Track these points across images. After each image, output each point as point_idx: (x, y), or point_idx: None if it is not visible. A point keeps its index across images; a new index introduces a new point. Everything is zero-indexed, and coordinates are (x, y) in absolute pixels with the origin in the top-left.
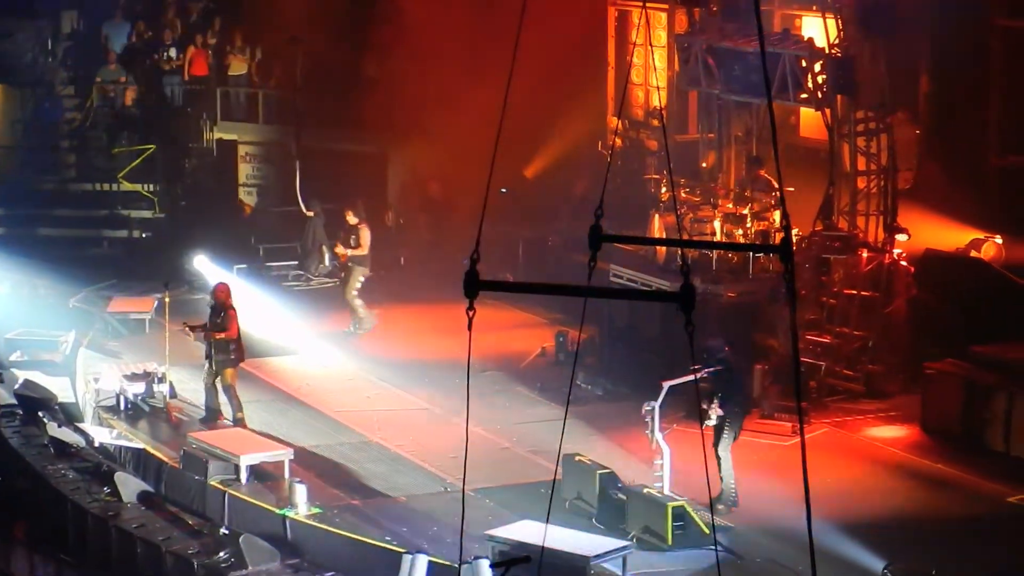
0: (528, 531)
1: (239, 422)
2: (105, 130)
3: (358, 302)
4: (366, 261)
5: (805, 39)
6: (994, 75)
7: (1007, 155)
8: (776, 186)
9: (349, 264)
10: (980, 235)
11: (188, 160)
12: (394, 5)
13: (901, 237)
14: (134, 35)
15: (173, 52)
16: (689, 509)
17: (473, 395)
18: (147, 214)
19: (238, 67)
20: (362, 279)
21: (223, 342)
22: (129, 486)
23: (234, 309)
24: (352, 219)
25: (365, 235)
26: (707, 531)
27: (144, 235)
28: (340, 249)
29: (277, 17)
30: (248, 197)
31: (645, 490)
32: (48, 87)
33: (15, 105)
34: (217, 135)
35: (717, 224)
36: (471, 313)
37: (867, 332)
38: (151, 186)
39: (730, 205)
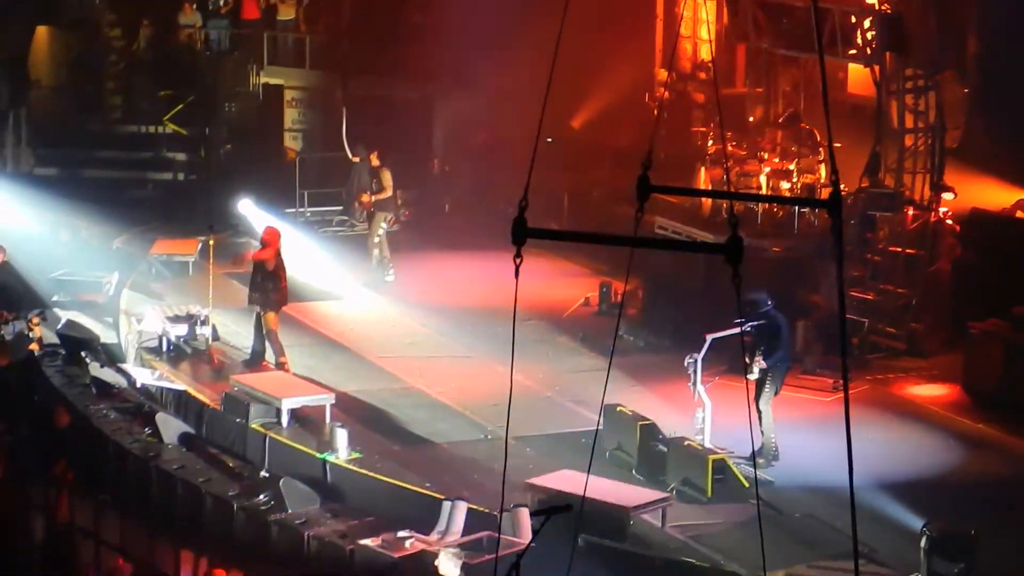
0: (568, 481)
1: (281, 366)
2: (151, 72)
3: (376, 250)
4: (389, 205)
5: None
6: None
7: None
8: (820, 140)
9: (373, 210)
10: None
11: (234, 104)
12: None
13: (947, 196)
14: None
15: None
16: (729, 462)
17: (516, 344)
18: (191, 157)
19: (286, 12)
20: (384, 225)
21: (265, 285)
22: (170, 427)
23: (278, 251)
24: (376, 161)
25: (387, 177)
26: (747, 484)
27: (189, 178)
28: (365, 197)
29: None
30: (293, 142)
31: (686, 442)
32: (95, 28)
33: (62, 46)
34: (263, 79)
35: (763, 178)
36: (518, 261)
37: (911, 290)
38: (196, 129)
39: (776, 159)
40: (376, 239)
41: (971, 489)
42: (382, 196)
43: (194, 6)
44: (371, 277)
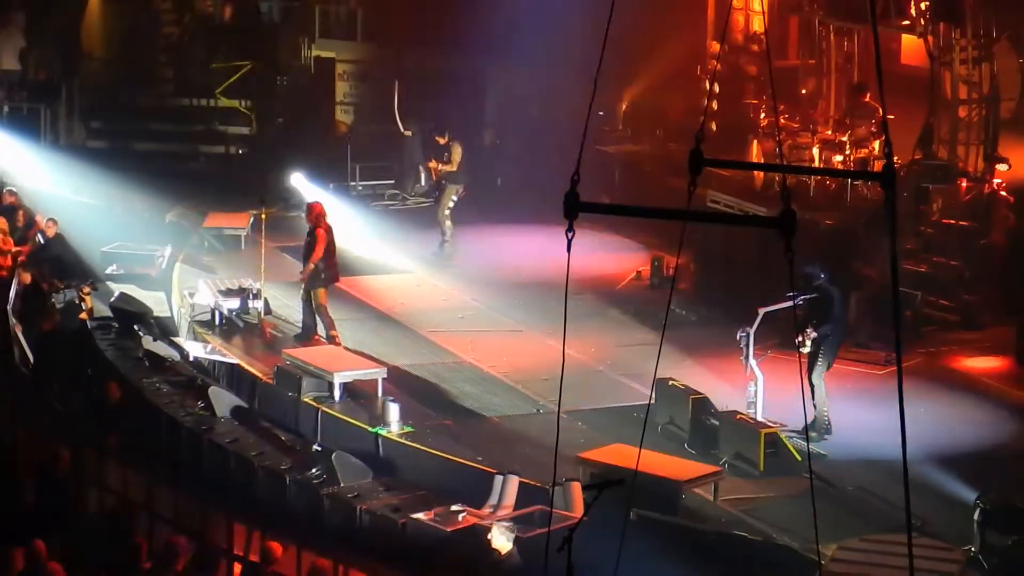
0: (620, 455)
1: (332, 340)
2: (203, 45)
3: (448, 223)
4: (460, 178)
5: None
6: None
7: None
8: (877, 114)
9: (443, 182)
10: None
11: (285, 77)
12: None
13: (1001, 167)
14: None
15: None
16: (782, 436)
17: (568, 318)
18: (244, 131)
19: None
20: (455, 198)
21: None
22: (223, 401)
23: (323, 229)
24: (442, 139)
25: (457, 151)
26: (799, 458)
27: (240, 151)
28: (433, 163)
29: None
30: (345, 116)
31: (738, 416)
32: (146, 1)
33: (113, 18)
34: (315, 52)
35: (816, 151)
36: (570, 235)
37: (964, 262)
38: (248, 102)
39: (829, 132)
40: (447, 212)
41: None
42: (449, 168)
43: None
44: (443, 249)
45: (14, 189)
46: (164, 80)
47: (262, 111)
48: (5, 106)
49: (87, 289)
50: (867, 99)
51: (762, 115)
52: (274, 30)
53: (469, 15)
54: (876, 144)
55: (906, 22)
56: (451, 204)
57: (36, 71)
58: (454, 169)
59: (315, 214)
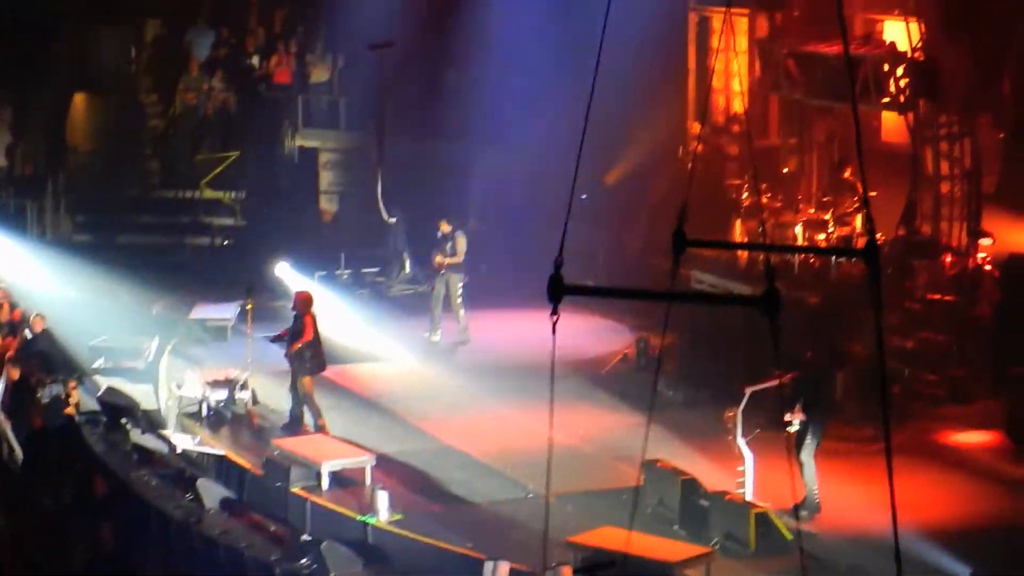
0: (610, 538)
1: (320, 429)
2: (187, 137)
3: (462, 311)
4: (462, 268)
5: (887, 43)
6: None
7: None
8: (859, 190)
9: (444, 272)
10: None
11: (270, 168)
12: (475, 13)
13: (985, 241)
14: (217, 42)
15: (256, 59)
16: (772, 515)
17: (555, 401)
18: (229, 221)
19: (319, 74)
20: (460, 286)
21: (300, 350)
22: (211, 492)
23: (311, 316)
24: (446, 227)
25: (462, 242)
26: (790, 537)
27: (226, 242)
28: (439, 259)
29: (360, 24)
30: (329, 204)
31: (728, 496)
32: (131, 94)
33: (98, 112)
34: (299, 142)
35: (799, 229)
36: (555, 318)
37: (951, 337)
38: (233, 193)
39: (812, 210)
40: (459, 300)
41: (1017, 536)
42: (455, 260)
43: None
44: (457, 336)
45: (2, 284)
46: (149, 172)
47: (247, 202)
48: None
49: (73, 383)
50: (849, 176)
51: (744, 194)
52: (258, 121)
53: (451, 103)
54: (859, 221)
55: (886, 99)
56: (460, 292)
57: (22, 166)
58: (459, 260)
59: (302, 302)
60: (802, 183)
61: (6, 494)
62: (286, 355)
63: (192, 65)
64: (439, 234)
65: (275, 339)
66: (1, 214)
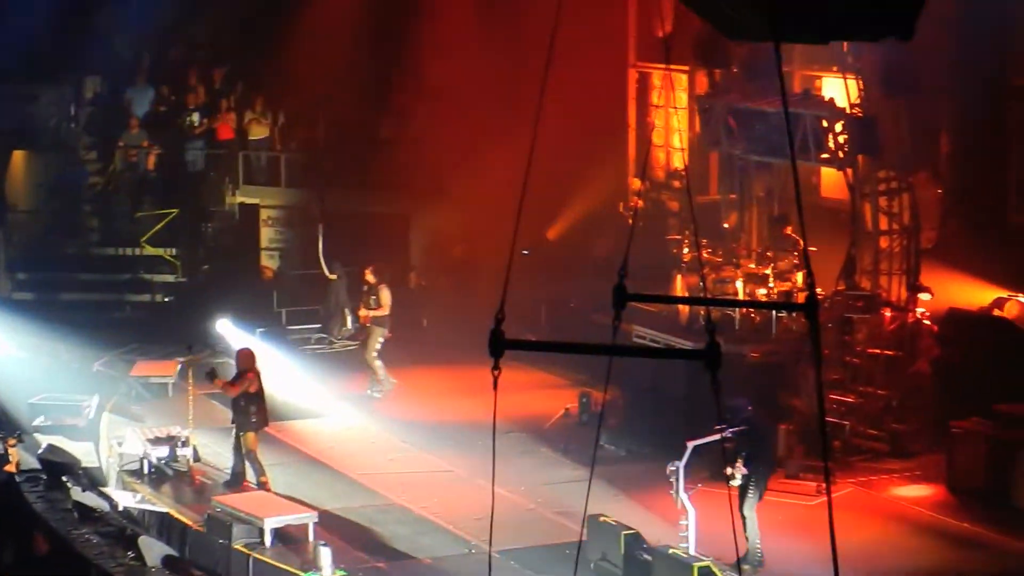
0: None
1: (262, 485)
2: (128, 194)
3: (378, 363)
4: (386, 322)
5: (826, 99)
6: (1013, 134)
7: None
8: (799, 245)
9: (369, 325)
10: (1003, 294)
11: (210, 224)
12: (416, 69)
13: (924, 296)
14: (157, 100)
15: (196, 117)
16: (715, 569)
17: (497, 456)
18: (170, 278)
19: (260, 131)
20: (382, 340)
21: (244, 406)
22: (153, 550)
23: (253, 373)
24: (371, 278)
25: (386, 295)
26: None
27: (167, 299)
28: (363, 312)
29: (299, 81)
30: (270, 261)
31: (671, 551)
32: (71, 152)
33: (38, 170)
34: (239, 199)
35: (739, 284)
36: (496, 373)
37: (891, 391)
38: (174, 250)
39: (752, 265)
40: (375, 354)
41: None
42: (380, 313)
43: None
44: (373, 390)
45: None
46: (90, 230)
47: (188, 258)
48: None
49: (13, 441)
50: (789, 232)
51: (685, 250)
52: (198, 178)
53: (391, 159)
54: (799, 276)
55: (825, 155)
56: (378, 346)
57: None
58: (385, 313)
59: (245, 358)
60: (742, 238)
61: None
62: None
63: (132, 123)
64: (364, 286)
65: (209, 375)
66: None
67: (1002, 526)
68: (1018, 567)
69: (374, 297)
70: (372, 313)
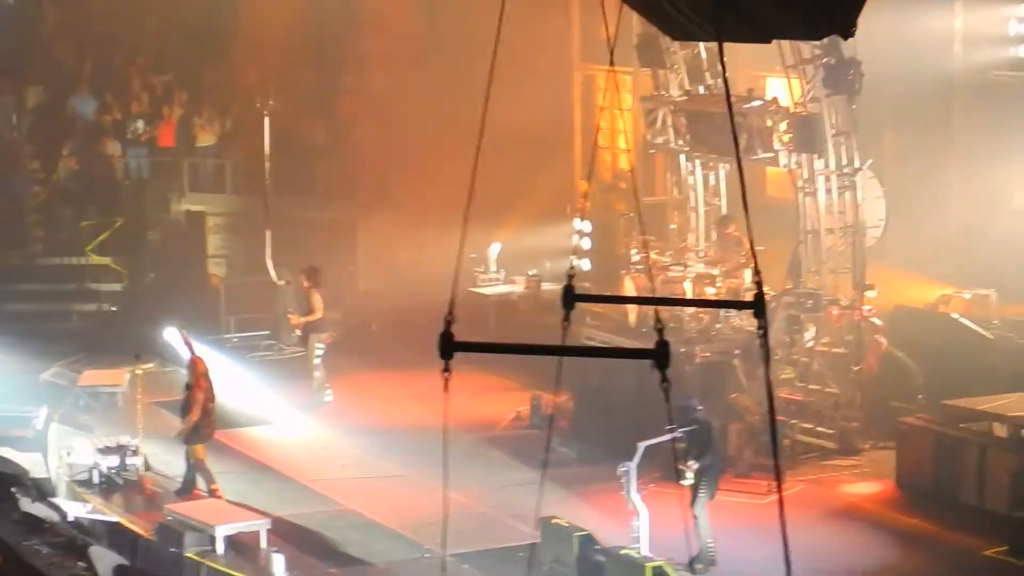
0: None
1: (213, 493)
2: (72, 203)
3: (316, 373)
4: (323, 327)
5: (770, 99)
6: (955, 134)
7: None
8: (745, 244)
9: (304, 332)
10: (948, 290)
11: (156, 232)
12: (360, 75)
13: (870, 294)
14: (100, 107)
15: (140, 124)
16: (668, 569)
17: (449, 460)
18: (116, 287)
19: (205, 138)
20: (320, 346)
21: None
22: (104, 560)
23: (201, 387)
24: (305, 283)
25: (317, 300)
26: None
27: (113, 308)
28: (294, 319)
29: (243, 88)
30: (217, 268)
31: (624, 551)
32: (13, 161)
33: None
34: (185, 207)
35: (688, 284)
36: (447, 375)
37: (839, 389)
38: (119, 259)
39: (700, 265)
40: (316, 360)
41: None
42: (312, 318)
43: (112, 137)
44: (309, 399)
45: None
46: (33, 240)
47: (133, 267)
48: None
49: None
50: (735, 231)
51: (633, 251)
52: (143, 185)
53: (336, 165)
54: (746, 275)
55: (770, 154)
56: (318, 353)
57: None
58: (317, 318)
59: (195, 368)
60: (689, 238)
61: None
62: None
63: (75, 131)
64: (296, 289)
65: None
66: None
67: (950, 522)
68: (967, 562)
69: (305, 301)
70: (304, 319)
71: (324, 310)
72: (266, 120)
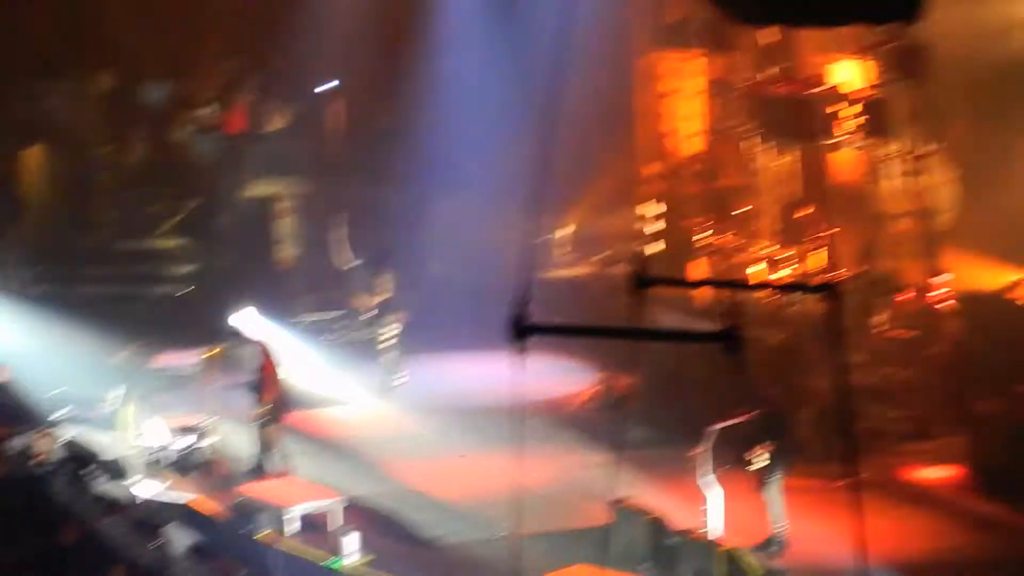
0: None
1: (285, 474)
2: (143, 188)
3: (389, 354)
4: (394, 308)
5: (842, 81)
6: None
7: None
8: (817, 228)
9: (376, 314)
10: (1022, 275)
11: (227, 215)
12: (425, 59)
13: (943, 277)
14: (171, 91)
15: (210, 109)
16: (740, 552)
17: (521, 441)
18: (187, 270)
19: (276, 121)
20: (392, 327)
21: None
22: (178, 540)
23: (271, 368)
24: (375, 265)
25: (386, 281)
26: (759, 574)
27: (185, 291)
28: (363, 300)
29: (314, 71)
30: (288, 250)
31: (695, 534)
32: (84, 146)
33: (52, 165)
34: (255, 190)
35: (758, 268)
36: (520, 357)
37: (912, 373)
38: (191, 242)
39: (770, 249)
40: (388, 342)
41: (983, 570)
42: (380, 299)
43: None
44: (382, 380)
45: None
46: (106, 224)
47: (205, 250)
48: None
49: (40, 434)
50: (806, 214)
51: (704, 234)
52: (213, 169)
53: (408, 145)
54: (817, 259)
55: (841, 138)
56: (390, 334)
57: None
58: (388, 296)
59: (265, 350)
60: (760, 222)
61: None
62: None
63: (146, 115)
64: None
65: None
66: None
67: None
68: None
69: (373, 282)
70: (373, 300)
71: (396, 292)
72: (336, 103)
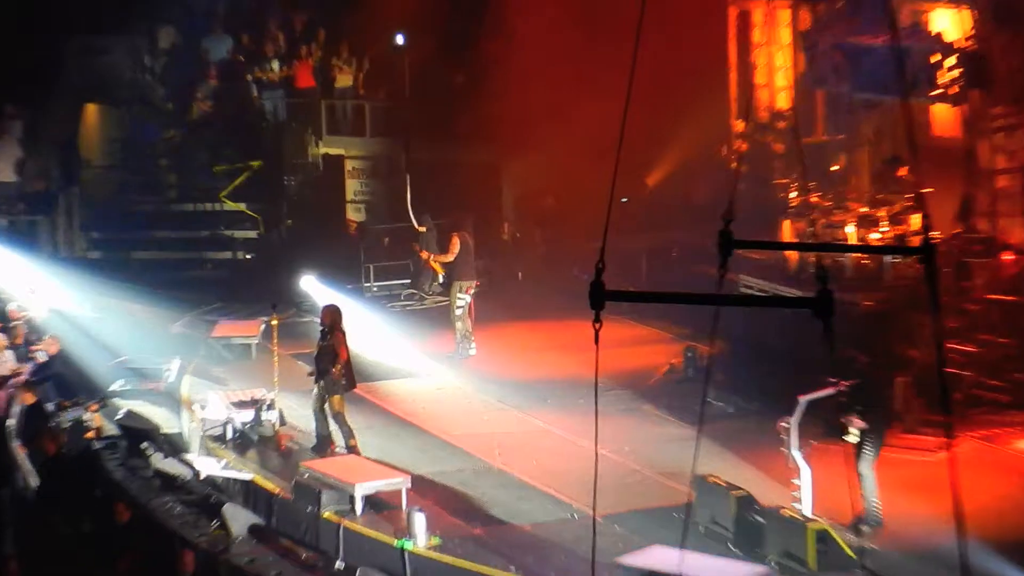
0: (661, 558)
1: (352, 449)
2: (206, 148)
3: (459, 324)
4: (465, 273)
5: (937, 32)
6: None
7: None
8: (912, 187)
9: (446, 281)
10: None
11: (293, 177)
12: (504, 15)
13: None
14: (235, 48)
15: (276, 65)
16: (832, 531)
17: (599, 415)
18: (251, 234)
19: (343, 79)
20: (463, 296)
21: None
22: (239, 519)
23: (342, 332)
24: (422, 229)
25: (455, 244)
26: (852, 554)
27: (248, 256)
28: (424, 253)
29: (383, 28)
30: (356, 214)
31: (784, 511)
32: (146, 104)
33: (113, 124)
34: (323, 150)
35: (850, 229)
36: (598, 326)
37: (1012, 339)
38: (255, 205)
39: (863, 208)
40: (457, 311)
41: None
42: (445, 259)
43: (247, 79)
44: (453, 351)
45: (20, 305)
46: (167, 185)
47: (269, 213)
48: (3, 219)
49: (94, 407)
50: (901, 173)
51: (793, 194)
52: (279, 128)
53: (478, 106)
54: (913, 219)
55: (937, 92)
56: (460, 303)
57: (34, 181)
58: (449, 258)
59: (331, 316)
60: (852, 181)
61: (21, 522)
62: (315, 379)
63: (209, 72)
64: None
65: (311, 373)
66: (13, 231)
67: None
68: None
69: (442, 243)
70: (435, 258)
71: (471, 258)
72: (406, 61)
